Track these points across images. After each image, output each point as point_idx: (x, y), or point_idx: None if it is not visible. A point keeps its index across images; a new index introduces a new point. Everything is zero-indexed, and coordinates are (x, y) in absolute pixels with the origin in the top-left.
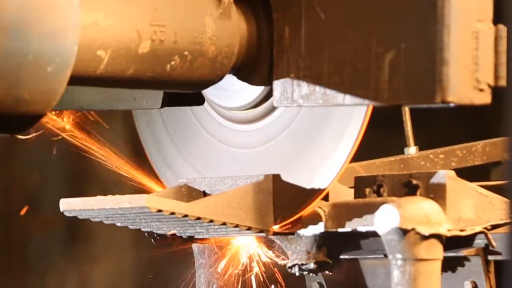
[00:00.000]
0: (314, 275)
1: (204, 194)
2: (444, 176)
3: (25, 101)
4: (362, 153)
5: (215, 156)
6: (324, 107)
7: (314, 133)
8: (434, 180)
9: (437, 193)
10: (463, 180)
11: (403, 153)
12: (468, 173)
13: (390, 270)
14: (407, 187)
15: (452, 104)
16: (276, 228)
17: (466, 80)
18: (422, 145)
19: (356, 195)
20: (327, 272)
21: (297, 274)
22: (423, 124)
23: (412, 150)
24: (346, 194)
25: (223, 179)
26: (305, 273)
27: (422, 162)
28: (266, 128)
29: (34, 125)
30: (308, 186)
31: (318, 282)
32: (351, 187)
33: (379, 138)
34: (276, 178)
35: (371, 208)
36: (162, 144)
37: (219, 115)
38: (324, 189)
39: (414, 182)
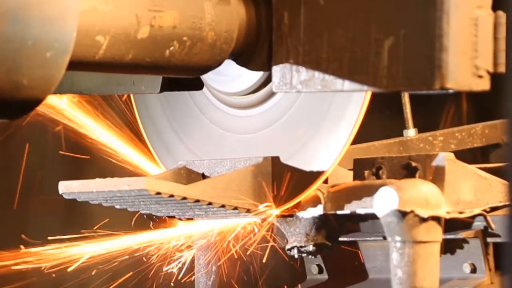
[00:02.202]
0: (313, 257)
1: (203, 176)
2: (443, 158)
3: (24, 86)
4: (361, 135)
5: (214, 141)
6: (323, 93)
7: (314, 117)
8: (433, 162)
9: (436, 176)
10: (462, 163)
11: (402, 135)
12: (467, 155)
13: (389, 252)
14: (406, 170)
15: (451, 91)
16: (275, 211)
17: (465, 66)
18: (421, 127)
19: (355, 178)
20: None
21: (296, 256)
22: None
23: (411, 132)
24: (345, 177)
25: (222, 161)
26: (304, 255)
27: (421, 144)
28: (266, 113)
29: (33, 110)
30: (307, 169)
31: (317, 264)
32: (350, 170)
33: (378, 121)
34: (275, 160)
35: (370, 191)
36: (161, 129)
37: (219, 100)
38: (323, 173)
39: (413, 164)
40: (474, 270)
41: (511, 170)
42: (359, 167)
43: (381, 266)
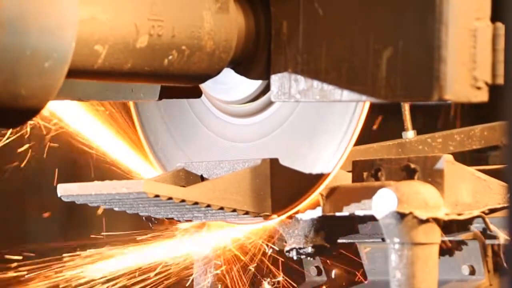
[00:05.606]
0: (311, 259)
1: (202, 178)
2: (442, 160)
3: (22, 96)
4: (360, 137)
5: (212, 149)
6: (321, 102)
7: (314, 124)
8: (432, 164)
9: (435, 177)
10: (461, 164)
11: (401, 137)
12: (466, 157)
13: (387, 254)
14: (405, 171)
15: (449, 102)
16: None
17: (464, 78)
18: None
19: (354, 179)
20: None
21: (295, 258)
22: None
23: (410, 134)
24: (344, 178)
25: (221, 163)
26: (302, 257)
27: (420, 146)
28: (265, 121)
29: (31, 119)
30: (306, 171)
31: (315, 266)
32: (349, 171)
33: (377, 122)
34: (274, 162)
35: (369, 192)
36: (159, 136)
37: (217, 108)
38: (323, 176)
39: (412, 166)
40: (473, 272)
41: (510, 172)
42: (358, 169)
43: (380, 268)
